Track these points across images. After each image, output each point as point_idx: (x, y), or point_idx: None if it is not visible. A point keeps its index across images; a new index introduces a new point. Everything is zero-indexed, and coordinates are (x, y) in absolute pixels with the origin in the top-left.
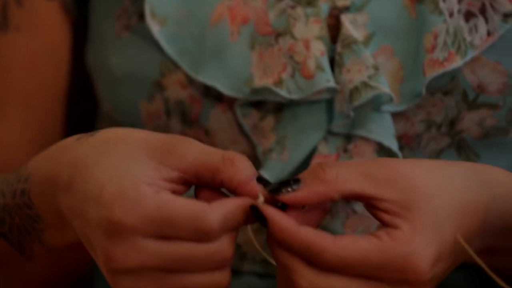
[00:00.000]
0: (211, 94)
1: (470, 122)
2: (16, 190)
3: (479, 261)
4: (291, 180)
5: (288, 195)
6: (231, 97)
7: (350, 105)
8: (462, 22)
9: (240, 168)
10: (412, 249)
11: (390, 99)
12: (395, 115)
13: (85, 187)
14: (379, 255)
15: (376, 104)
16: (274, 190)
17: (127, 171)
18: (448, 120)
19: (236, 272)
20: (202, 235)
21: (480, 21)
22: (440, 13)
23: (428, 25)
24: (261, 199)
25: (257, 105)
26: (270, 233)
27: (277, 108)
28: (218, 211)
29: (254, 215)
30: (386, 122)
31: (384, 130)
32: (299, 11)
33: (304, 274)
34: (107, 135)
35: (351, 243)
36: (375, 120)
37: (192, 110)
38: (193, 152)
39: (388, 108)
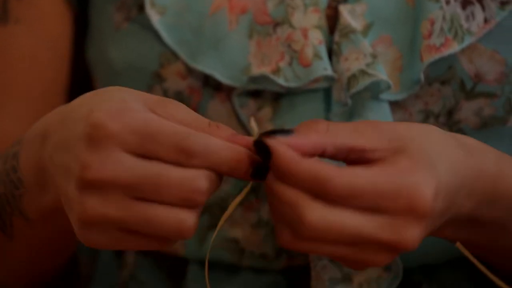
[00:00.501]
0: (210, 85)
1: (468, 111)
2: (9, 154)
3: (479, 265)
4: (284, 130)
5: (282, 139)
6: (229, 87)
7: (348, 92)
8: (459, 9)
9: (225, 130)
10: (417, 177)
11: (388, 87)
12: (393, 106)
13: (73, 115)
14: (387, 181)
15: (374, 92)
16: (268, 133)
17: (121, 98)
18: (446, 110)
19: (234, 267)
20: (181, 155)
21: (477, 8)
22: (437, 0)
23: (425, 12)
24: (258, 133)
25: (255, 95)
26: (273, 168)
27: (275, 98)
28: (204, 136)
29: (257, 149)
30: (384, 111)
31: (382, 119)
32: (298, 1)
33: (312, 207)
34: (105, 88)
35: (359, 171)
36: (373, 109)
37: (191, 101)
38: (183, 112)
39: (387, 96)
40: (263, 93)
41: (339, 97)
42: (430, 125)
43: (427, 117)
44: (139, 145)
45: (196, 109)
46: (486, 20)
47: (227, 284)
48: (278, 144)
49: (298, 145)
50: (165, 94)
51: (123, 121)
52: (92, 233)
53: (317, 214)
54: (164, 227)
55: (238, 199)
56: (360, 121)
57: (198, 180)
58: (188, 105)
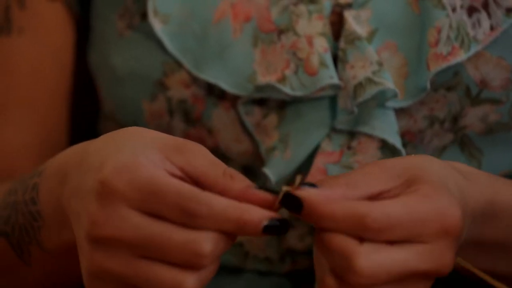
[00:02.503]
0: (214, 93)
1: (473, 118)
2: (29, 185)
3: (481, 274)
4: (308, 183)
5: (311, 189)
6: (234, 96)
7: (354, 101)
8: (465, 17)
9: (240, 181)
10: (443, 200)
11: (395, 95)
12: (398, 112)
13: (88, 161)
14: (418, 208)
15: (380, 100)
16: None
17: (132, 150)
18: (451, 116)
19: (238, 270)
20: (185, 216)
21: (483, 15)
22: (443, 7)
23: (431, 20)
24: (284, 188)
25: (260, 103)
26: (307, 218)
27: (280, 106)
28: (208, 197)
29: (285, 204)
30: (389, 119)
31: (387, 127)
32: (302, 8)
33: (361, 253)
34: (122, 131)
35: (389, 203)
36: (379, 117)
37: (195, 109)
38: (201, 159)
39: (392, 104)
40: (268, 100)
41: (345, 105)
42: (426, 155)
43: (432, 123)
44: (144, 203)
45: (200, 118)
46: (492, 28)
47: (230, 286)
48: (308, 193)
49: (327, 197)
50: (169, 102)
51: (128, 178)
52: (98, 284)
53: (367, 260)
54: (159, 286)
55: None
56: (364, 165)
57: (201, 243)
58: (192, 113)
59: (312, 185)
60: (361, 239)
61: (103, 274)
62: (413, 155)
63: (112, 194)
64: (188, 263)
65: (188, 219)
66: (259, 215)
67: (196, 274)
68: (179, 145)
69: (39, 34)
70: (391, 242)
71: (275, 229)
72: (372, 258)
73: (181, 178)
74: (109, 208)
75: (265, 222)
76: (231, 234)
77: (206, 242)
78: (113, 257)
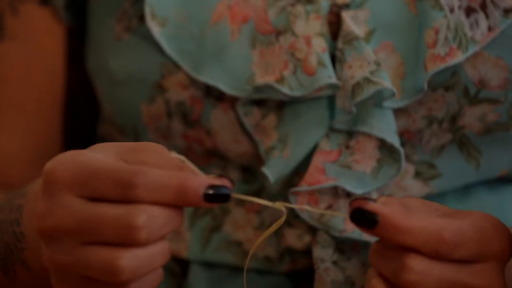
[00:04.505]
0: (212, 94)
1: (471, 117)
2: (13, 206)
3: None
4: (369, 198)
5: (382, 206)
6: (232, 97)
7: (352, 100)
8: (463, 17)
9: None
10: (492, 219)
11: (392, 95)
12: (397, 112)
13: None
14: (486, 224)
15: (378, 100)
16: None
17: (85, 151)
18: (450, 115)
19: (237, 269)
20: (124, 190)
21: (481, 16)
22: (441, 8)
23: (428, 21)
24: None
25: (259, 103)
26: (382, 232)
27: (279, 106)
28: (145, 168)
29: (356, 219)
30: (387, 118)
31: (386, 126)
32: (300, 8)
33: (416, 254)
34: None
35: (455, 221)
36: (377, 116)
37: (193, 111)
38: (155, 156)
39: (389, 104)
40: (267, 101)
41: (343, 105)
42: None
43: (430, 123)
44: (84, 186)
45: (198, 119)
46: (490, 28)
47: (229, 284)
48: (383, 207)
49: (399, 212)
50: (167, 104)
51: (68, 165)
52: (62, 282)
53: (419, 260)
54: (96, 269)
55: (273, 227)
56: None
57: (134, 215)
58: (190, 115)
59: (374, 200)
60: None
61: (60, 270)
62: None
63: (55, 183)
64: (122, 239)
65: (124, 192)
66: (200, 181)
67: (131, 250)
68: (135, 146)
69: (30, 40)
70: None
71: (216, 197)
72: (425, 261)
73: None
74: (52, 199)
75: (204, 190)
76: (171, 205)
77: (140, 214)
78: (59, 249)
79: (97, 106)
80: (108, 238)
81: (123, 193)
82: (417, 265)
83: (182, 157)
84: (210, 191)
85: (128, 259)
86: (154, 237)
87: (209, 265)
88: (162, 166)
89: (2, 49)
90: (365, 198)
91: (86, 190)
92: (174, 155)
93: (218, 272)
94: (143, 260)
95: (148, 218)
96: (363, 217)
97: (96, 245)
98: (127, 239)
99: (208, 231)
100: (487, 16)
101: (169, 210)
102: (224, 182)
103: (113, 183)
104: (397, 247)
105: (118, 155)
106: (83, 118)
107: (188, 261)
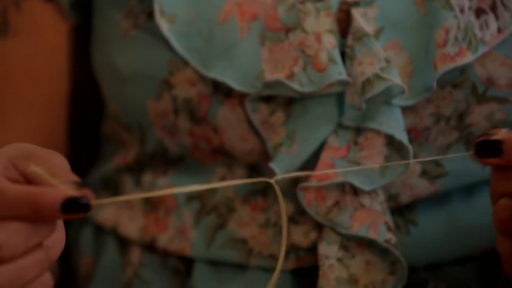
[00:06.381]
0: (220, 91)
1: (478, 116)
2: None
3: None
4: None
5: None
6: (240, 93)
7: (363, 97)
8: (473, 18)
9: (59, 177)
10: None
11: (402, 92)
12: (404, 109)
13: None
14: None
15: (387, 97)
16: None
17: None
18: (457, 113)
19: (242, 267)
20: None
21: (491, 17)
22: (451, 8)
23: (439, 20)
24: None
25: (267, 100)
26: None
27: (287, 103)
28: (8, 185)
29: (482, 153)
30: (396, 116)
31: (395, 124)
32: (309, 5)
33: None
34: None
35: None
36: (386, 113)
37: (200, 108)
38: (43, 164)
39: (398, 102)
40: (275, 97)
41: (353, 101)
42: None
43: (438, 120)
44: None
45: (205, 116)
46: (499, 30)
47: (234, 282)
48: (505, 135)
49: None
50: (174, 101)
51: None
52: None
53: None
54: None
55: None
56: None
57: None
58: (197, 112)
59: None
60: None
61: None
62: None
63: None
64: None
65: None
66: (55, 195)
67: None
68: (28, 152)
69: (34, 37)
70: None
71: (75, 207)
72: None
73: (22, 183)
74: None
75: (61, 203)
76: (34, 220)
77: None
78: None
79: (102, 103)
80: None
81: None
82: None
83: (40, 170)
84: (68, 203)
85: None
86: (19, 251)
87: (214, 263)
88: (54, 174)
89: (6, 44)
90: (486, 133)
91: None
92: (33, 168)
93: (223, 270)
94: (12, 274)
95: (8, 234)
96: (488, 148)
97: None
98: None
99: (213, 229)
100: (497, 17)
101: (32, 223)
102: (84, 192)
103: None
104: None
105: (11, 160)
106: (88, 115)
107: (193, 259)
